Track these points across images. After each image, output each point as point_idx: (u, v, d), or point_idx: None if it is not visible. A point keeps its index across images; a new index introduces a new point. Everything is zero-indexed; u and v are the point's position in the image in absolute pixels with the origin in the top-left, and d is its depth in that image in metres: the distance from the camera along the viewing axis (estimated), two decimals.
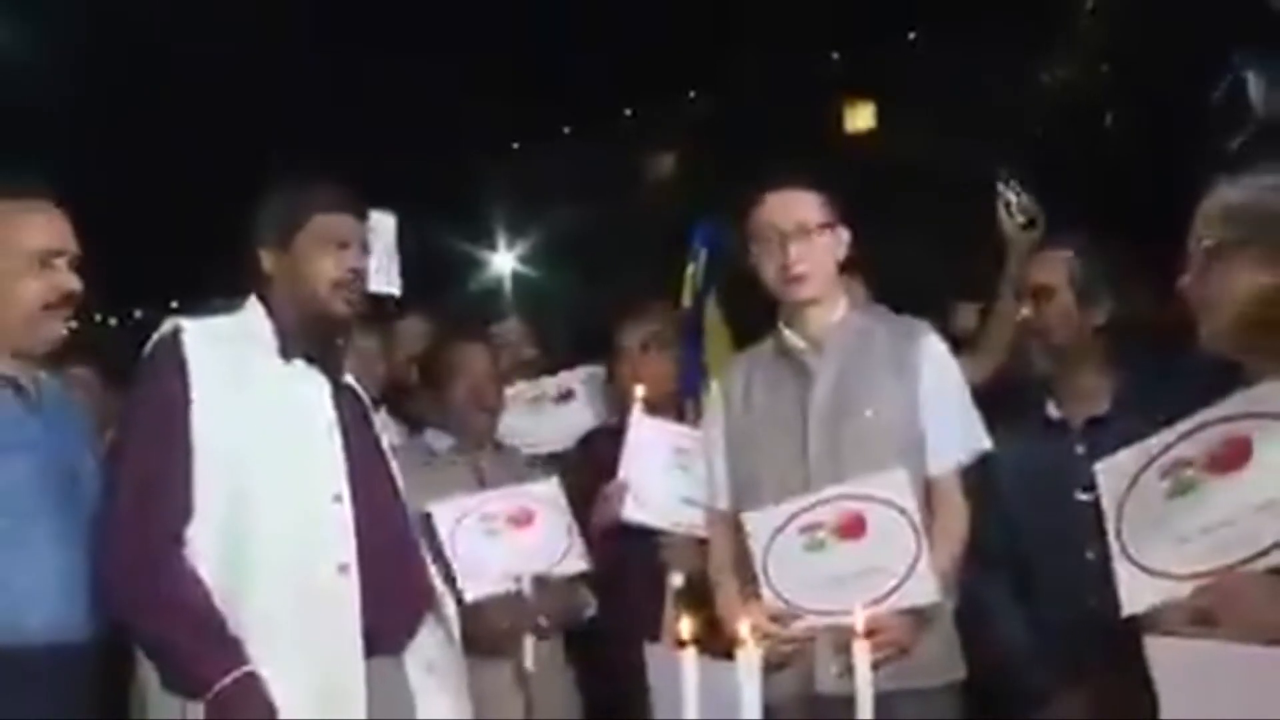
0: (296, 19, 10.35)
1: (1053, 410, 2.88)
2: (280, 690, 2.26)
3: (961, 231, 3.51)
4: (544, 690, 3.01)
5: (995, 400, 2.86)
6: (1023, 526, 2.79)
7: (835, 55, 12.48)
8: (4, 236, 2.38)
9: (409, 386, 3.89)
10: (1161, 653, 1.75)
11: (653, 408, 3.26)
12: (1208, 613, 1.80)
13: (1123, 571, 1.97)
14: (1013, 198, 3.49)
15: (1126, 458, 2.01)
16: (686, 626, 1.67)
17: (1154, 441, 1.98)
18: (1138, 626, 1.90)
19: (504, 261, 14.69)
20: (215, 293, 2.69)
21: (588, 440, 3.53)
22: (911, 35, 11.77)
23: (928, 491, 2.67)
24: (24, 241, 2.39)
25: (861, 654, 1.80)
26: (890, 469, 2.58)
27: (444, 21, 10.85)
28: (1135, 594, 1.94)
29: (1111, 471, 2.03)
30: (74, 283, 2.43)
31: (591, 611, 3.18)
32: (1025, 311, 2.94)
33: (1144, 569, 1.93)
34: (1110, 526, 2.00)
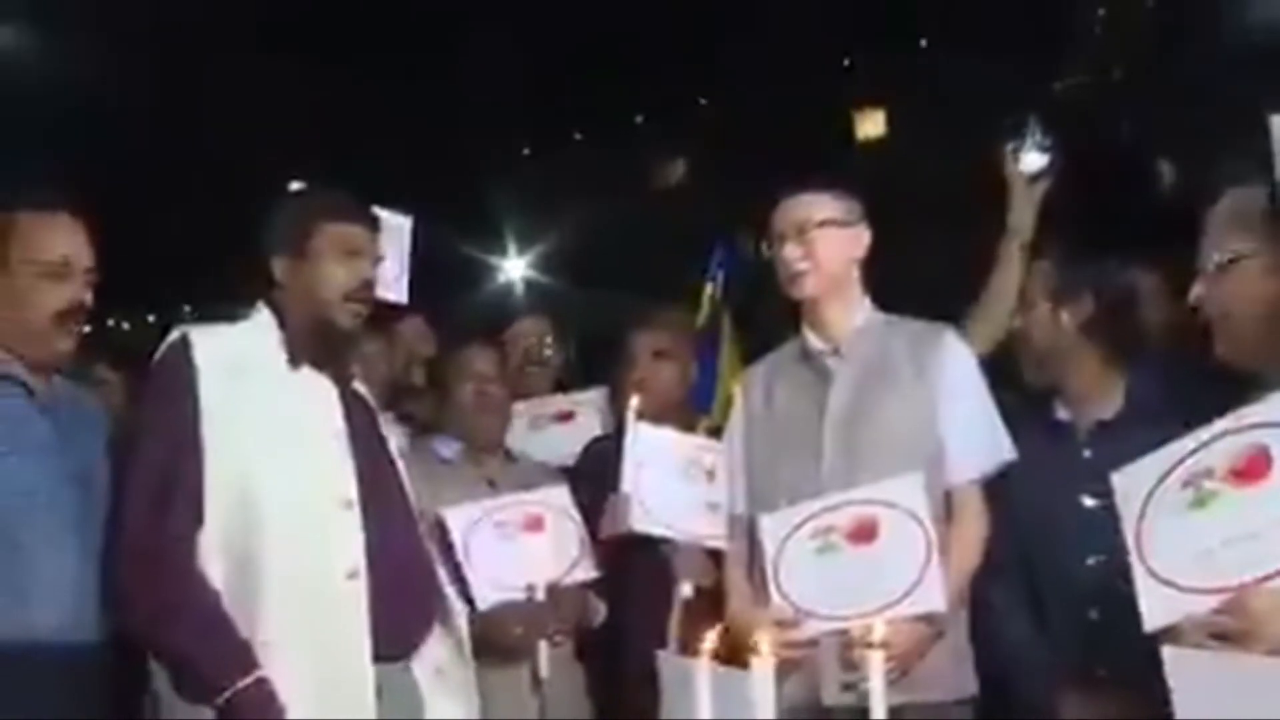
0: (308, 23, 10.39)
1: (1060, 412, 2.82)
2: (290, 695, 2.25)
3: (973, 241, 3.44)
4: (555, 696, 3.00)
5: (1000, 400, 2.77)
6: (1027, 531, 2.73)
7: (846, 63, 12.48)
8: (23, 246, 2.44)
9: (412, 388, 3.87)
10: (1179, 664, 1.73)
11: (660, 417, 3.24)
12: (1230, 629, 1.76)
13: (1144, 584, 1.92)
14: (1027, 141, 3.26)
15: (1145, 466, 1.96)
16: (707, 636, 1.66)
17: (1173, 449, 1.93)
18: (1144, 635, 1.87)
19: (514, 267, 14.69)
20: (230, 298, 2.69)
21: (596, 449, 3.46)
22: (923, 43, 11.76)
23: (946, 499, 2.64)
24: (42, 252, 2.44)
25: (875, 665, 1.78)
26: (905, 473, 2.54)
27: (455, 28, 10.88)
28: (1157, 608, 1.89)
29: (1130, 480, 1.98)
30: (86, 294, 2.49)
31: (601, 618, 3.17)
32: (1017, 321, 2.90)
33: (1165, 582, 1.88)
34: (1129, 538, 1.95)
